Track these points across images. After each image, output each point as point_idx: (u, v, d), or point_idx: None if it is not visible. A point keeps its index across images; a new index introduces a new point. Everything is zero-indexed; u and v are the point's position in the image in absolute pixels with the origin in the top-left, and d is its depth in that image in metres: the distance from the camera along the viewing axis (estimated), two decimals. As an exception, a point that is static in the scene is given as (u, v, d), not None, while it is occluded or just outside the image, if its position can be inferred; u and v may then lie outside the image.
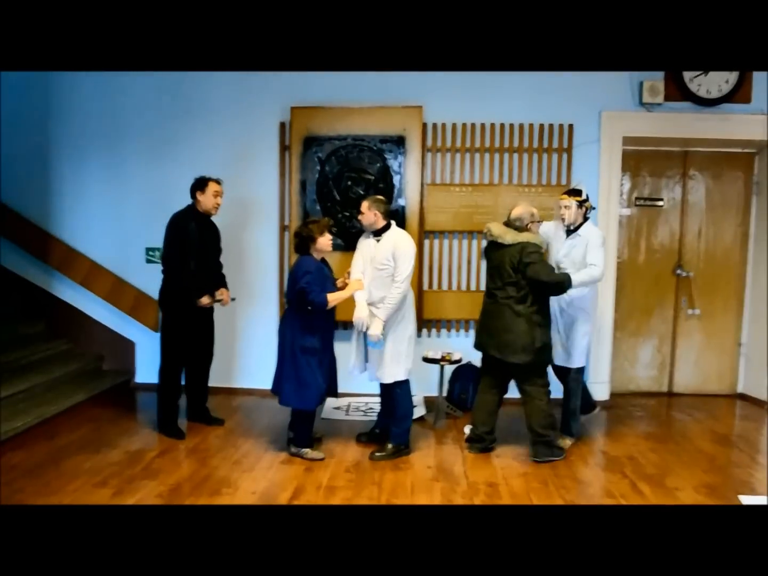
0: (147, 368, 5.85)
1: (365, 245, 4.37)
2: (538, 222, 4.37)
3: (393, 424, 4.38)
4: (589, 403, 4.92)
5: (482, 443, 4.45)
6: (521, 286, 4.13)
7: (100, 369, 6.00)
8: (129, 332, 5.95)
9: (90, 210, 5.90)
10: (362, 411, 5.32)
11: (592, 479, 4.05)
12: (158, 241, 5.58)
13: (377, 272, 4.24)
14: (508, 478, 4.01)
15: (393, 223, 4.37)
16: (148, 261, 5.80)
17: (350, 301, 4.28)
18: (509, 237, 4.19)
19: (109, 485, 3.77)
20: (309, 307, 4.06)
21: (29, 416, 4.67)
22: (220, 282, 4.93)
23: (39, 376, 5.22)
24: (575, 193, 4.44)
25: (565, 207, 4.42)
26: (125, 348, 5.97)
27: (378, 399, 4.67)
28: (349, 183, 5.63)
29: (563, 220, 4.46)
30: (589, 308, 4.51)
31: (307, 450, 4.28)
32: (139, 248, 5.80)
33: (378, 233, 4.30)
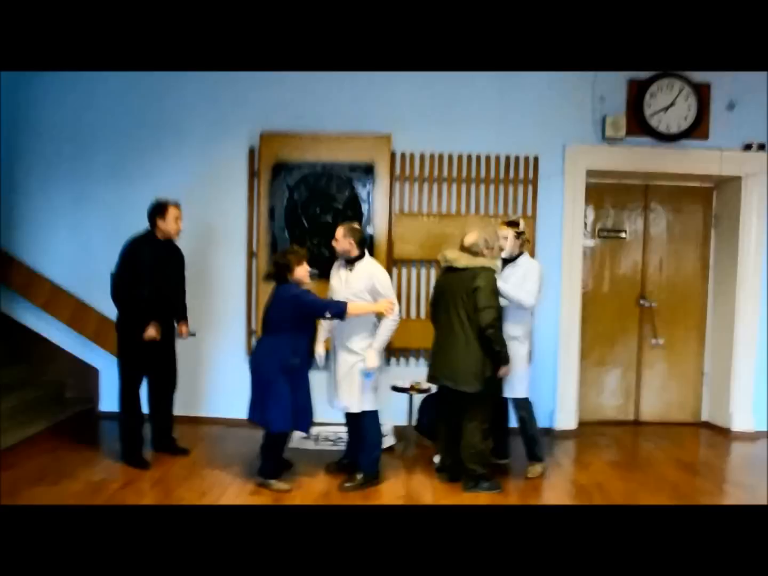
0: (111, 396, 5.68)
1: (336, 276, 4.40)
2: (492, 248, 4.40)
3: (362, 453, 4.34)
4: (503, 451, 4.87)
5: (451, 472, 4.44)
6: (463, 312, 4.16)
7: (61, 396, 5.84)
8: (92, 359, 5.81)
9: (53, 232, 5.79)
10: (331, 441, 5.26)
11: (561, 508, 4.06)
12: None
13: (351, 301, 4.21)
14: (476, 507, 4.01)
15: (366, 253, 4.39)
16: (113, 286, 5.69)
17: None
18: (463, 261, 4.23)
19: (70, 518, 3.66)
20: (329, 316, 4.10)
21: (-15, 445, 4.52)
22: (180, 312, 4.86)
23: (-3, 404, 5.06)
24: (513, 224, 4.55)
25: (503, 237, 4.53)
26: (88, 375, 5.83)
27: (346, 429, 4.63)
28: (318, 211, 5.64)
29: (500, 250, 4.55)
30: (522, 337, 4.52)
31: (273, 481, 4.21)
32: (103, 272, 5.62)
33: (351, 261, 4.31)
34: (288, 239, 5.59)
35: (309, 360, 4.29)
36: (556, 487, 4.41)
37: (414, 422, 5.23)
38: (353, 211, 5.62)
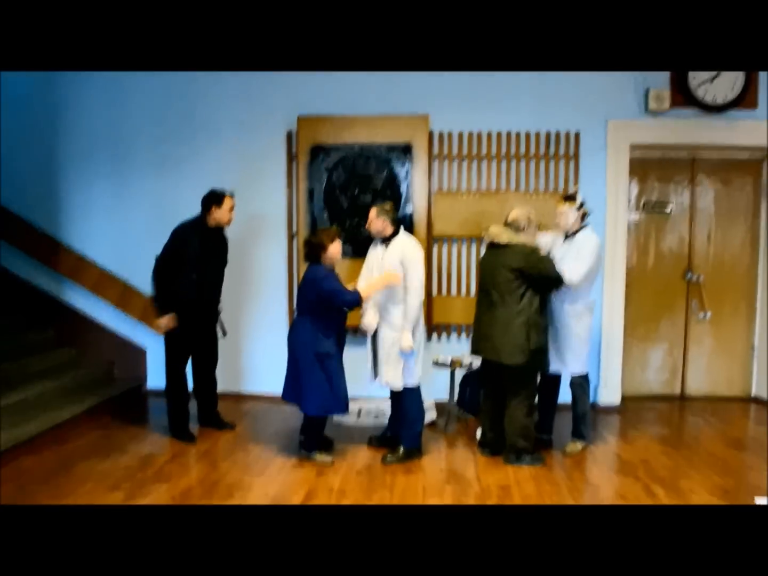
0: (158, 374, 5.84)
1: (373, 254, 4.43)
2: (535, 226, 4.39)
3: (404, 428, 4.37)
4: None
5: (493, 447, 4.44)
6: (518, 286, 4.14)
7: (110, 375, 6.00)
8: (139, 338, 5.96)
9: (99, 218, 5.93)
10: (373, 415, 5.29)
11: (605, 482, 4.02)
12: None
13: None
14: (520, 481, 3.99)
15: (401, 229, 4.40)
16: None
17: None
18: (506, 237, 4.21)
19: (120, 489, 3.78)
20: (345, 308, 4.12)
21: (40, 422, 4.65)
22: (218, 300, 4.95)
23: (50, 382, 5.22)
24: (570, 199, 4.46)
25: (561, 213, 4.45)
26: (135, 354, 5.99)
27: (389, 403, 4.66)
28: (357, 191, 5.65)
29: (559, 226, 4.49)
30: (581, 313, 4.45)
31: (316, 453, 4.28)
32: (148, 256, 5.77)
33: (386, 240, 4.35)
34: (327, 220, 5.62)
35: (342, 342, 4.32)
36: (600, 462, 4.37)
37: (455, 397, 5.24)
38: (392, 191, 5.61)
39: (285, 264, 5.78)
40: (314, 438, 4.32)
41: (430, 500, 3.71)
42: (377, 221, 4.30)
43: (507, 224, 4.30)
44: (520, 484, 3.93)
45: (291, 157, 5.72)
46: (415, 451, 4.36)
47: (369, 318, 4.33)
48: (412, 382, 4.32)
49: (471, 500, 3.71)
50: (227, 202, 4.66)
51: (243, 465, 4.22)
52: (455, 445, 4.68)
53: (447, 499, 3.72)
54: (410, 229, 5.47)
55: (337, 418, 5.02)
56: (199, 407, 4.99)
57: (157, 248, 5.72)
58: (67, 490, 3.74)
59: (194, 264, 4.60)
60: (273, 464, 4.23)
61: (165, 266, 4.63)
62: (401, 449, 4.33)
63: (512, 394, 4.24)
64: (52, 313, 6.01)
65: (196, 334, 4.78)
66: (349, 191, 5.66)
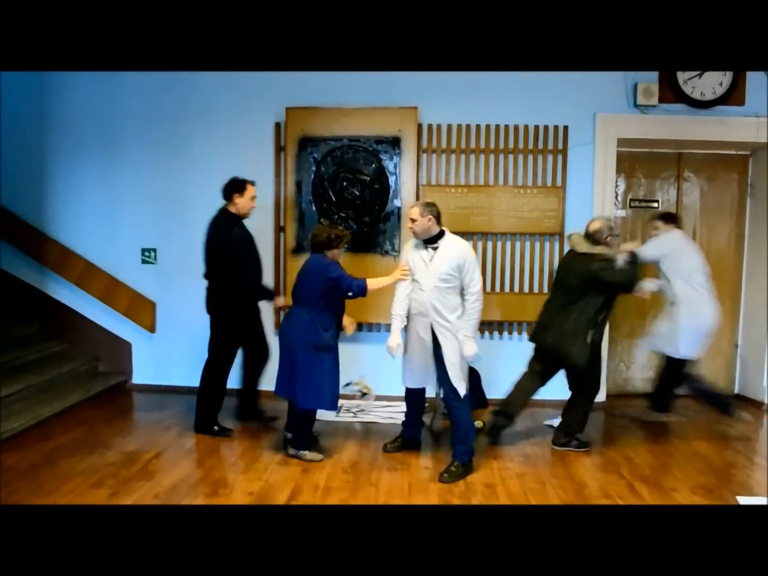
0: (144, 369, 5.86)
1: (417, 256, 4.06)
2: (616, 236, 4.59)
3: (458, 441, 4.07)
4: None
5: (500, 432, 4.61)
6: (583, 288, 4.28)
7: (95, 370, 5.97)
8: (125, 333, 5.92)
9: (85, 210, 5.88)
10: (352, 412, 5.30)
11: (589, 480, 4.04)
12: (153, 242, 5.61)
13: (440, 282, 3.95)
14: (505, 478, 4.01)
15: (445, 229, 4.11)
16: (144, 261, 5.79)
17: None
18: (583, 247, 4.37)
19: (105, 486, 3.75)
20: (350, 294, 4.04)
21: (24, 417, 4.63)
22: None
23: (34, 377, 5.18)
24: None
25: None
26: (121, 349, 5.94)
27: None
28: (345, 184, 5.63)
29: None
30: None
31: (306, 452, 4.26)
32: (134, 249, 5.78)
33: (433, 240, 4.02)
34: (315, 213, 5.59)
35: (337, 337, 4.24)
36: (584, 459, 4.39)
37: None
38: (380, 184, 5.60)
39: (272, 257, 5.73)
40: (304, 435, 4.30)
41: (416, 498, 3.71)
42: (422, 220, 3.93)
43: (587, 235, 4.43)
44: (504, 482, 3.95)
45: (279, 148, 5.68)
46: (470, 466, 4.08)
47: (394, 339, 4.06)
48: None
49: (456, 498, 3.72)
50: (250, 190, 4.54)
51: (228, 462, 4.21)
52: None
53: (432, 497, 3.72)
54: (397, 223, 5.47)
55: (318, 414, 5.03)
56: (243, 402, 5.00)
57: (144, 240, 5.71)
58: (51, 487, 3.71)
59: (242, 257, 4.48)
60: (259, 461, 4.22)
61: (227, 265, 4.45)
62: (457, 465, 4.02)
63: (580, 383, 4.57)
64: (39, 306, 5.96)
65: (249, 330, 4.73)
66: (337, 184, 5.63)
